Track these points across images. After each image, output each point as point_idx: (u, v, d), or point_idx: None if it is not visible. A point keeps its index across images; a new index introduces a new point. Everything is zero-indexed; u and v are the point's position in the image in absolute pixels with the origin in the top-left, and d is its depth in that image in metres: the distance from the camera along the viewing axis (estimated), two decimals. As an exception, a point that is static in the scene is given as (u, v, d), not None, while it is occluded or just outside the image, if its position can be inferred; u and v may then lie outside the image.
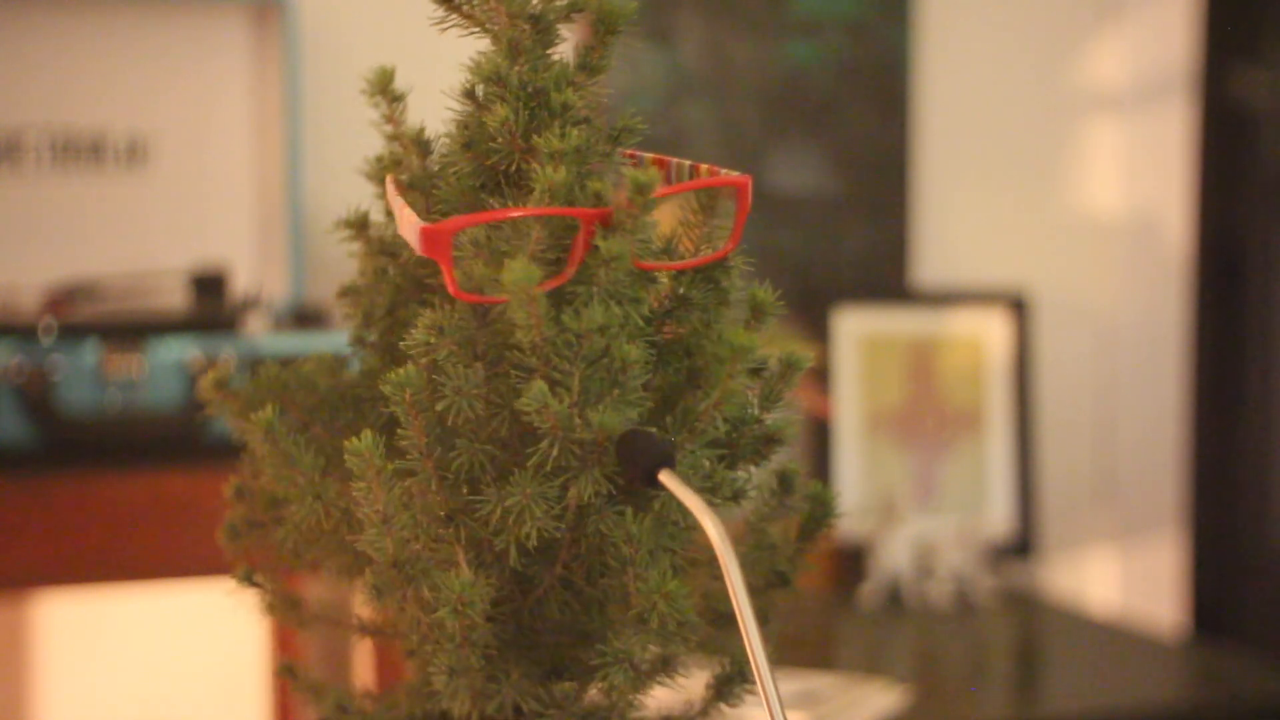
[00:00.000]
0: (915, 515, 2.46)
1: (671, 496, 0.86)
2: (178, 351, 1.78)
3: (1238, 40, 2.65)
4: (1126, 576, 2.73)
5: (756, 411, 0.92)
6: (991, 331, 2.57)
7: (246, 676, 2.21)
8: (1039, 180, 2.70)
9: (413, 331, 0.87)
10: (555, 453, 0.84)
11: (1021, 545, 2.56)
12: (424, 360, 0.87)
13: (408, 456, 0.87)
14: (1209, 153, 2.64)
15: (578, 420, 0.83)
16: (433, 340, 0.86)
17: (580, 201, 0.87)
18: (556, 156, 0.87)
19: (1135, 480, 2.72)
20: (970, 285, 2.61)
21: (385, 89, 0.97)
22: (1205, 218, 2.65)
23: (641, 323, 0.87)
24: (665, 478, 0.84)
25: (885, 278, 2.57)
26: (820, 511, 0.99)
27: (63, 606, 2.19)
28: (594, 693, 0.94)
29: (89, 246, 2.05)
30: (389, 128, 0.98)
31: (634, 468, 0.85)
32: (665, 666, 0.94)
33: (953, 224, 2.63)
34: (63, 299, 1.91)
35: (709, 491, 0.89)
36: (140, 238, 2.07)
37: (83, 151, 2.06)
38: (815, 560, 1.00)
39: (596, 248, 0.85)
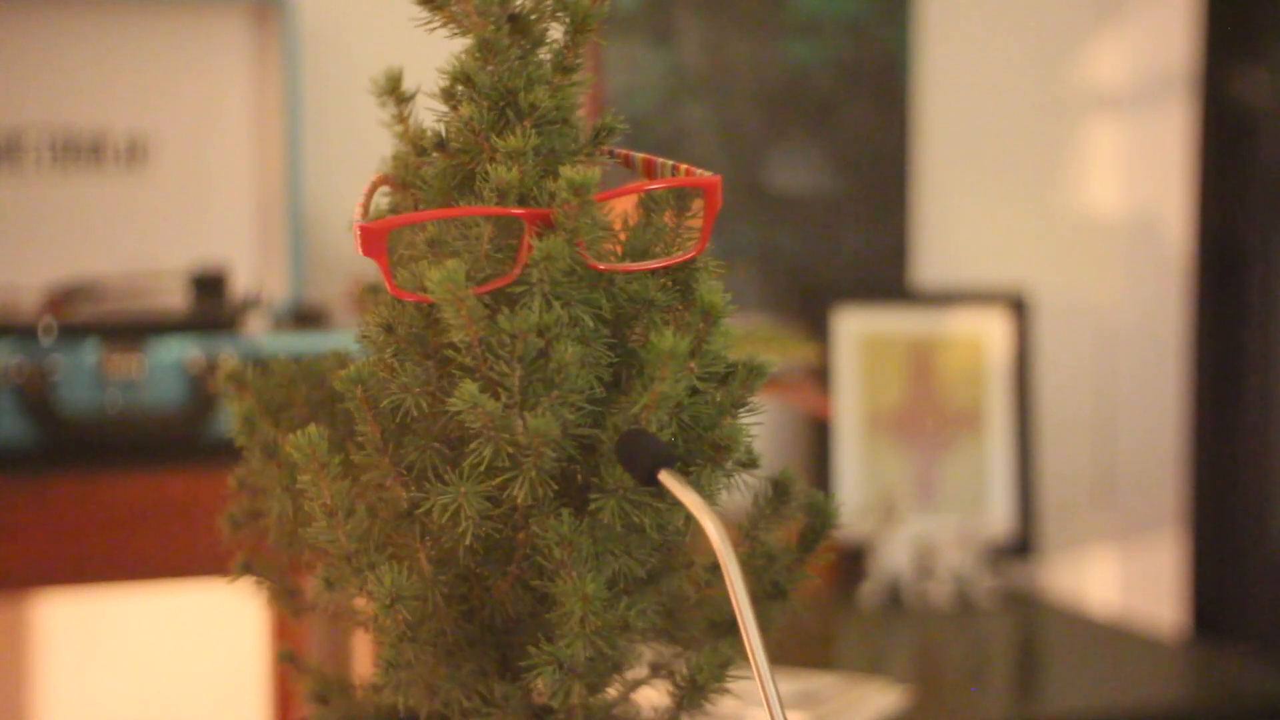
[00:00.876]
0: (915, 515, 2.46)
1: (618, 502, 0.86)
2: (178, 351, 1.78)
3: (1238, 40, 2.65)
4: (1126, 576, 2.73)
5: (718, 416, 0.90)
6: (991, 331, 2.57)
7: (246, 676, 2.21)
8: (1039, 180, 2.70)
9: (363, 328, 0.88)
10: (488, 453, 0.84)
11: (1021, 545, 2.56)
12: (376, 357, 0.87)
13: (364, 450, 0.88)
14: (1209, 153, 2.64)
15: (517, 421, 0.83)
16: (382, 338, 0.87)
17: (539, 201, 0.87)
18: (514, 156, 0.87)
19: (1135, 480, 2.72)
20: (970, 285, 2.61)
21: (394, 90, 0.98)
22: (1205, 218, 2.65)
23: (593, 324, 0.87)
24: (665, 477, 0.84)
25: (885, 278, 2.57)
26: (820, 521, 0.98)
27: (63, 606, 2.19)
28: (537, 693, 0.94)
29: (89, 246, 2.05)
30: (399, 128, 0.98)
31: (634, 467, 0.85)
32: (615, 669, 0.94)
33: (953, 224, 2.63)
34: (63, 299, 1.91)
35: (657, 497, 0.87)
36: (140, 238, 2.07)
37: (83, 151, 2.06)
38: (816, 571, 0.99)
39: (533, 247, 0.85)
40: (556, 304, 0.85)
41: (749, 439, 0.91)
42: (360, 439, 0.88)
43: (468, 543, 0.86)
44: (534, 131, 0.88)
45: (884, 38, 2.55)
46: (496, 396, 0.83)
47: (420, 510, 0.87)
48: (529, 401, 0.84)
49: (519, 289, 0.85)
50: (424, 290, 0.85)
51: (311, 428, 0.86)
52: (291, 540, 0.97)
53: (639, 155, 0.94)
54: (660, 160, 0.93)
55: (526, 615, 0.92)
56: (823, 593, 2.40)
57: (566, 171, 0.85)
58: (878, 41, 2.55)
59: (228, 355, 1.77)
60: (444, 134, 0.91)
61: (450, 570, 0.88)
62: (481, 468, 0.84)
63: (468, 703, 0.91)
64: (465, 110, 0.89)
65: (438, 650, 0.89)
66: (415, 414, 0.87)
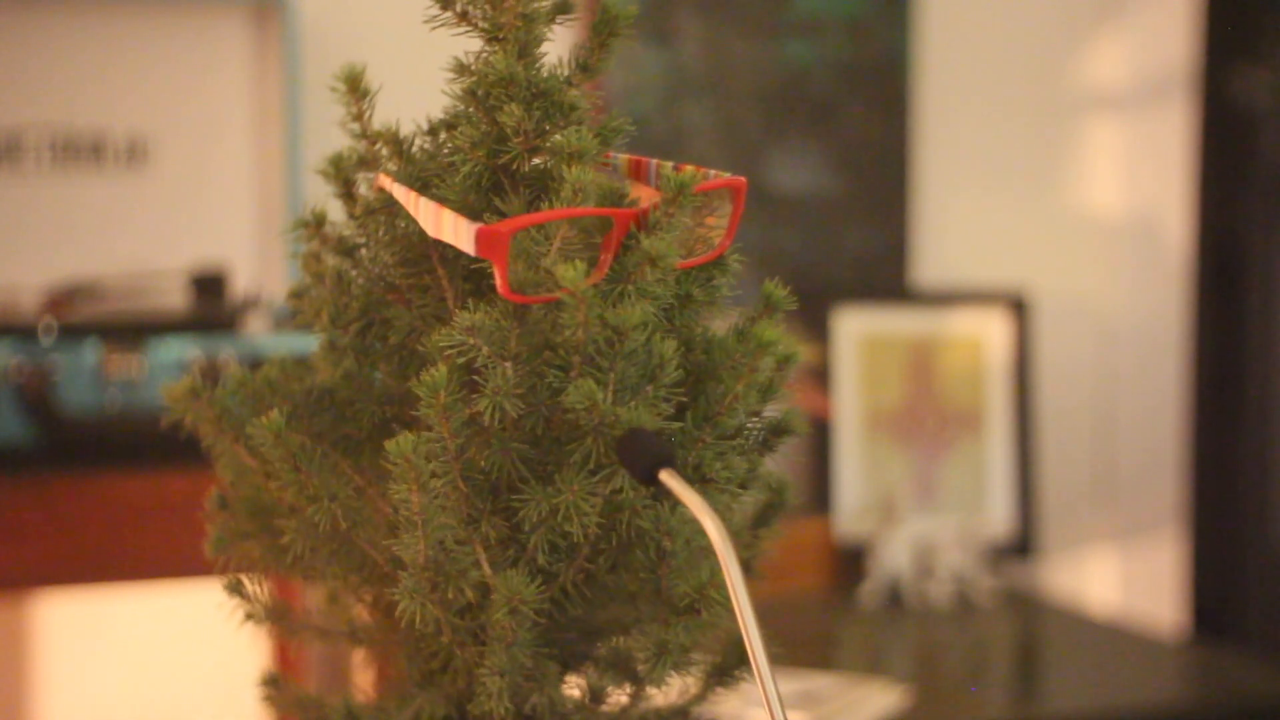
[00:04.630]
0: (915, 515, 2.46)
1: (703, 488, 0.88)
2: (178, 351, 1.78)
3: (1238, 40, 2.65)
4: (1126, 576, 2.73)
5: (757, 404, 0.94)
6: (991, 331, 2.57)
7: (246, 676, 2.21)
8: (1039, 180, 2.70)
9: (445, 331, 0.87)
10: (602, 448, 0.85)
11: (1021, 545, 2.56)
12: (460, 361, 0.87)
13: (435, 459, 0.87)
14: (1209, 153, 2.64)
15: (612, 416, 0.84)
16: (470, 341, 0.86)
17: (605, 201, 0.88)
18: (577, 156, 0.87)
19: (1135, 480, 2.72)
20: (970, 285, 2.61)
21: (355, 87, 0.97)
22: (1205, 218, 2.65)
23: (663, 320, 0.88)
24: (666, 477, 0.84)
25: (885, 278, 2.57)
26: (775, 499, 1.01)
27: (63, 606, 2.19)
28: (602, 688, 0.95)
29: (89, 246, 2.05)
30: (356, 126, 0.98)
31: (635, 467, 0.85)
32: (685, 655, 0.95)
33: (953, 224, 2.63)
34: (63, 299, 1.91)
35: (726, 481, 0.90)
36: (140, 238, 2.07)
37: (83, 151, 2.06)
38: (773, 547, 1.01)
39: (629, 247, 0.87)
40: (643, 301, 0.86)
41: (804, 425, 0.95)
42: (432, 447, 0.87)
43: (579, 539, 0.87)
44: (587, 130, 0.89)
45: (884, 38, 2.55)
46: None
47: (523, 513, 0.87)
48: (621, 396, 0.84)
49: (608, 286, 0.86)
50: (528, 291, 0.85)
51: (407, 435, 0.85)
52: (314, 556, 0.96)
53: (622, 156, 0.94)
54: (654, 161, 0.94)
55: (585, 610, 0.92)
56: (823, 593, 2.41)
57: (670, 173, 0.88)
58: (878, 41, 2.55)
59: (227, 356, 1.77)
60: (479, 134, 0.91)
61: (522, 573, 0.88)
62: (591, 464, 0.85)
63: (559, 705, 0.92)
64: (516, 110, 0.89)
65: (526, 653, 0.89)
66: (511, 417, 0.87)
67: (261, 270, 2.09)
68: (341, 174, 0.98)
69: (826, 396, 2.45)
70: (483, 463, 0.88)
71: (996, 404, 2.57)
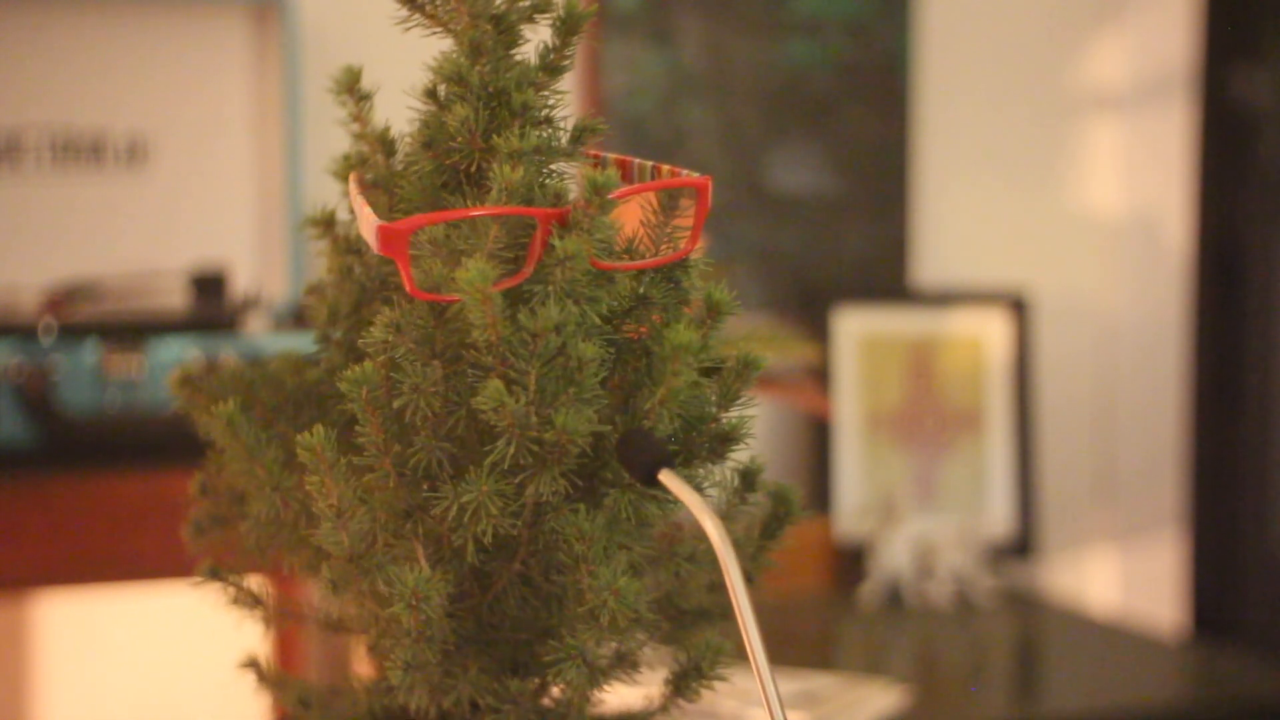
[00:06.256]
0: (915, 515, 2.46)
1: (623, 494, 0.87)
2: (178, 351, 1.78)
3: (1238, 40, 2.65)
4: (1126, 576, 2.73)
5: (714, 410, 0.92)
6: (991, 331, 2.57)
7: (246, 676, 2.21)
8: (1039, 180, 2.70)
9: (371, 329, 0.88)
10: (512, 451, 0.84)
11: (1021, 545, 2.56)
12: (382, 358, 0.87)
13: (366, 453, 0.88)
14: (1209, 153, 2.64)
15: (534, 419, 0.84)
16: (390, 338, 0.87)
17: (540, 201, 0.87)
18: (515, 156, 0.87)
19: (1135, 480, 2.72)
20: (970, 285, 2.61)
21: (352, 88, 0.98)
22: (1205, 218, 2.65)
23: (599, 321, 0.88)
24: (665, 477, 0.84)
25: (885, 278, 2.57)
26: (783, 510, 1.00)
27: (63, 606, 2.19)
28: (553, 689, 0.95)
29: (89, 246, 2.05)
30: (356, 126, 0.98)
31: (634, 467, 0.85)
32: (622, 663, 0.94)
33: (953, 224, 2.63)
34: (63, 299, 1.91)
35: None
36: (140, 238, 2.07)
37: (83, 151, 2.06)
38: (780, 558, 1.00)
39: (554, 247, 0.86)
40: (568, 302, 0.85)
41: (750, 432, 0.93)
42: (361, 440, 0.88)
43: (488, 540, 0.86)
44: (532, 131, 0.89)
45: (884, 38, 2.55)
46: (514, 395, 0.84)
47: (436, 510, 0.87)
48: (544, 399, 0.84)
49: (533, 287, 0.86)
50: (441, 290, 0.85)
51: (319, 428, 0.86)
52: (271, 544, 0.97)
53: (611, 156, 0.95)
54: (638, 161, 0.94)
55: (529, 612, 0.92)
56: (823, 593, 2.41)
57: (588, 172, 0.87)
58: (878, 41, 2.55)
59: (227, 356, 1.77)
60: (431, 134, 0.92)
61: (454, 570, 0.89)
62: (504, 465, 0.85)
63: (482, 701, 0.91)
64: (461, 110, 0.89)
65: (447, 650, 0.89)
66: (428, 414, 0.87)
67: (261, 270, 2.09)
68: (346, 172, 0.99)
69: (826, 396, 2.45)
70: (412, 459, 0.88)
71: (996, 404, 2.57)
